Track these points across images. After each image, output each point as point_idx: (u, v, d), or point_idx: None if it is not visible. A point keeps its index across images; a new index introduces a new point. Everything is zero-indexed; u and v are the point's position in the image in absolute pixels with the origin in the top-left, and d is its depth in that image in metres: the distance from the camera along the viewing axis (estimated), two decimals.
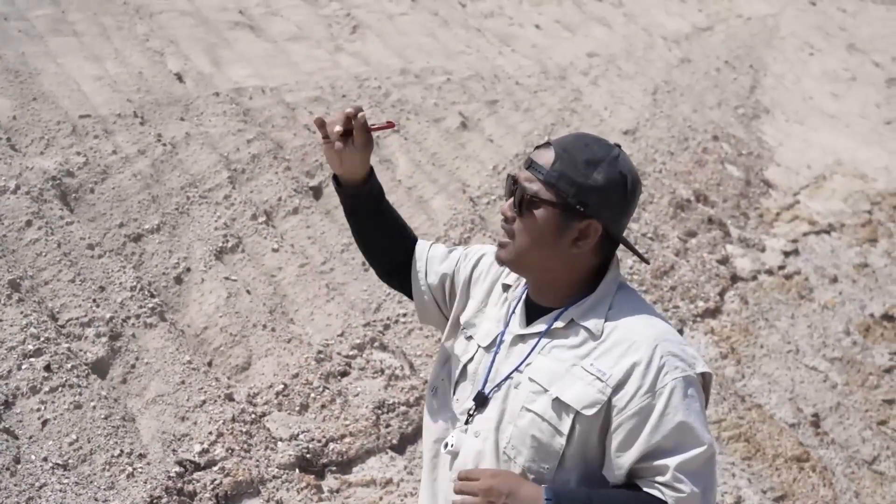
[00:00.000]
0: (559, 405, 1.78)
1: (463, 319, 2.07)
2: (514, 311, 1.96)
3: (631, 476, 1.77)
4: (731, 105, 9.75)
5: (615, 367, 1.77)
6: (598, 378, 1.77)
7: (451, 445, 1.92)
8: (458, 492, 1.78)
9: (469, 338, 2.02)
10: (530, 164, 1.84)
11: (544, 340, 1.87)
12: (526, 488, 1.75)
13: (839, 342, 5.99)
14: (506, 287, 2.03)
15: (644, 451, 1.74)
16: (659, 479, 1.74)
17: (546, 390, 1.80)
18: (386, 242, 2.15)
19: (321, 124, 1.95)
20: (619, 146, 1.86)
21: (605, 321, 1.83)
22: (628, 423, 1.75)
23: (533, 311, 1.92)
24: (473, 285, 2.10)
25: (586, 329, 1.83)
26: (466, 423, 1.92)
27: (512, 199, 1.86)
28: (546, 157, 1.83)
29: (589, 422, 1.77)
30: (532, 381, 1.83)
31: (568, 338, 1.85)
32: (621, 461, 1.76)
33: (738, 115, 9.59)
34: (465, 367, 1.99)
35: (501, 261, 1.90)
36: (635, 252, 1.90)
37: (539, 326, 1.89)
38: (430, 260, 2.15)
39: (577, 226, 1.81)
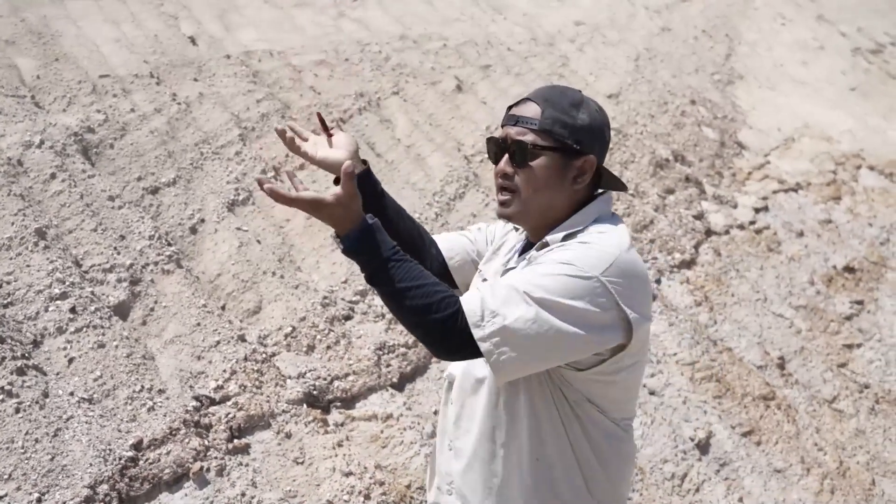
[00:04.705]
0: None
1: (480, 265, 2.10)
2: (516, 250, 1.98)
3: None
4: (707, 71, 9.64)
5: (546, 255, 1.78)
6: (530, 261, 1.81)
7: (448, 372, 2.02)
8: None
9: (484, 279, 2.03)
10: (517, 120, 1.81)
11: (522, 264, 1.87)
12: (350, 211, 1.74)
13: (804, 291, 5.99)
14: (517, 228, 2.06)
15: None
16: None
17: None
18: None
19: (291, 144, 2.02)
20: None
21: (567, 240, 1.80)
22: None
23: (529, 249, 1.94)
24: (495, 240, 2.13)
25: (547, 244, 1.82)
26: None
27: (507, 157, 1.83)
28: (531, 110, 1.81)
29: None
30: None
31: (538, 258, 1.85)
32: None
33: (714, 80, 9.48)
34: None
35: (508, 215, 1.87)
36: (616, 179, 1.92)
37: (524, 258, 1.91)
38: (459, 250, 2.15)
39: (575, 164, 1.82)
